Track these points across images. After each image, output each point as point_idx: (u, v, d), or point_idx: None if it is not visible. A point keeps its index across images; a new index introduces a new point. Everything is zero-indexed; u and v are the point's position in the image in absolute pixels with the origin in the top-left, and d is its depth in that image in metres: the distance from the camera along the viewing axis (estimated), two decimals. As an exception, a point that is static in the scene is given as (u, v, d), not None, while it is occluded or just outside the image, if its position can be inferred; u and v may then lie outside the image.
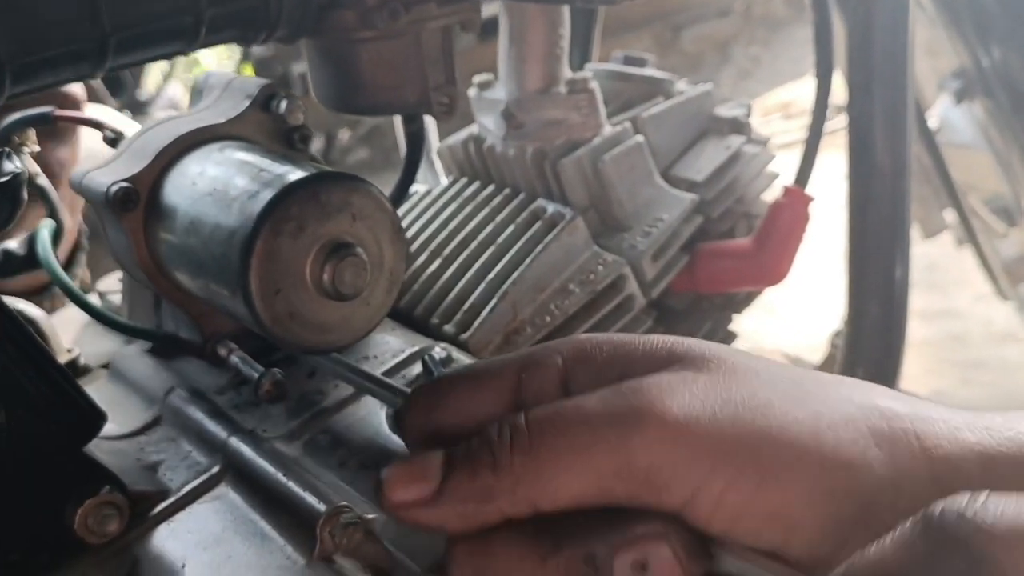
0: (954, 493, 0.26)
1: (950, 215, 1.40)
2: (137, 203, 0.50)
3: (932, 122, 1.26)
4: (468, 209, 0.66)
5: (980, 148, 1.15)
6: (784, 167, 0.71)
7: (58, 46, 0.44)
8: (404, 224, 0.67)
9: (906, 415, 0.32)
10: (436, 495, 0.36)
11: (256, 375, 0.49)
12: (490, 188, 0.66)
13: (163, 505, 0.47)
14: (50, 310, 0.69)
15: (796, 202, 0.65)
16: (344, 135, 3.54)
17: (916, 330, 2.17)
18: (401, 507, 0.37)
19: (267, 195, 0.45)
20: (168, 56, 0.49)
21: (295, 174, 0.46)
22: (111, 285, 0.71)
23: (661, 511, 0.31)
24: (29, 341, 0.42)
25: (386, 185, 0.56)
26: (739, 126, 0.69)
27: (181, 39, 0.48)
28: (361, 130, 3.48)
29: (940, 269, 2.15)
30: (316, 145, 1.81)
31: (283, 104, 0.53)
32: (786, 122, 3.17)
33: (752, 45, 3.94)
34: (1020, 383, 1.79)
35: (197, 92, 0.58)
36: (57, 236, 0.55)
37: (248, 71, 2.86)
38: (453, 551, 0.36)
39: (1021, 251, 1.19)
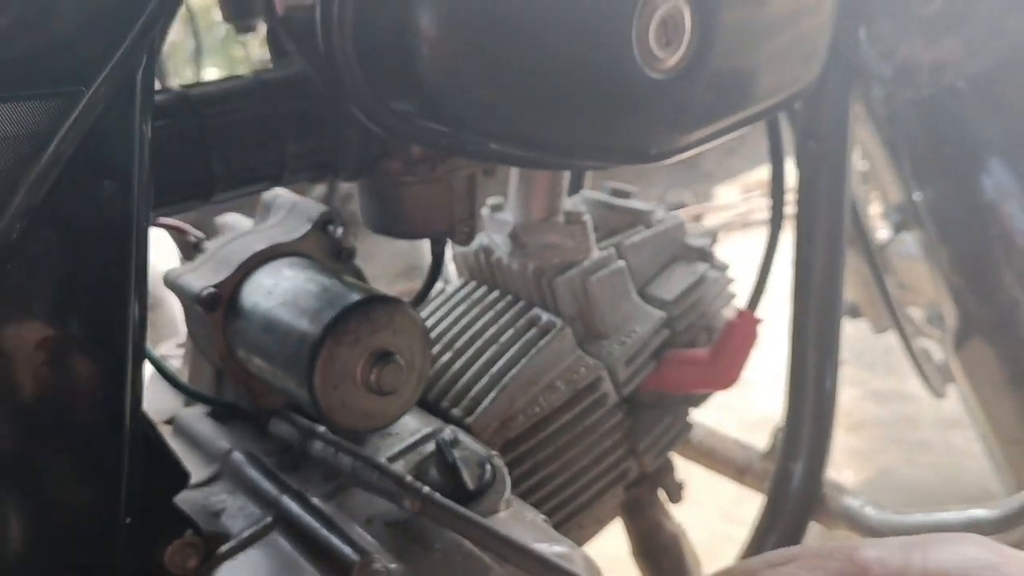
0: None
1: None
2: (220, 304, 0.63)
3: (883, 234, 1.42)
4: (476, 311, 0.79)
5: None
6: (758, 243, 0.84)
7: (177, 190, 0.57)
8: (425, 318, 0.80)
9: None
10: None
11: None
12: (495, 294, 0.80)
13: (227, 546, 0.59)
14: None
15: (747, 323, 0.79)
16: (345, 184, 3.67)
17: (871, 410, 2.31)
18: None
19: (331, 312, 0.58)
20: (258, 191, 0.62)
21: (352, 296, 0.59)
22: (169, 350, 0.84)
23: None
24: (145, 419, 0.55)
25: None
26: (705, 255, 0.83)
27: (270, 179, 0.62)
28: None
29: (896, 353, 2.30)
30: (318, 191, 1.92)
31: (339, 230, 0.67)
32: (767, 199, 3.34)
33: (738, 121, 4.12)
34: (962, 467, 1.92)
35: (265, 209, 0.71)
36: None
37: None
38: None
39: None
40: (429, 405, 0.74)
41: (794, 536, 0.84)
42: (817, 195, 0.77)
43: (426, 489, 0.55)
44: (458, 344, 0.76)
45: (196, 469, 0.67)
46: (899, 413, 2.18)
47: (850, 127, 0.75)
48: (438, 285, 0.83)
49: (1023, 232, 0.94)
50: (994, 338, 0.97)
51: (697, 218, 3.70)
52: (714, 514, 1.69)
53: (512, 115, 0.56)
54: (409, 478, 0.56)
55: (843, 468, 2.05)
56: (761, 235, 0.84)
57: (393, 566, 0.56)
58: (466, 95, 0.54)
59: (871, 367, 2.31)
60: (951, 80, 0.75)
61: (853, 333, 2.04)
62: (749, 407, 2.02)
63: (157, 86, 0.58)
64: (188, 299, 0.64)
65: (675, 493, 0.88)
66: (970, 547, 0.39)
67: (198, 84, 0.59)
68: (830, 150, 0.76)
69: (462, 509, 0.54)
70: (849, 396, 2.28)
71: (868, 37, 0.75)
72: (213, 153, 0.57)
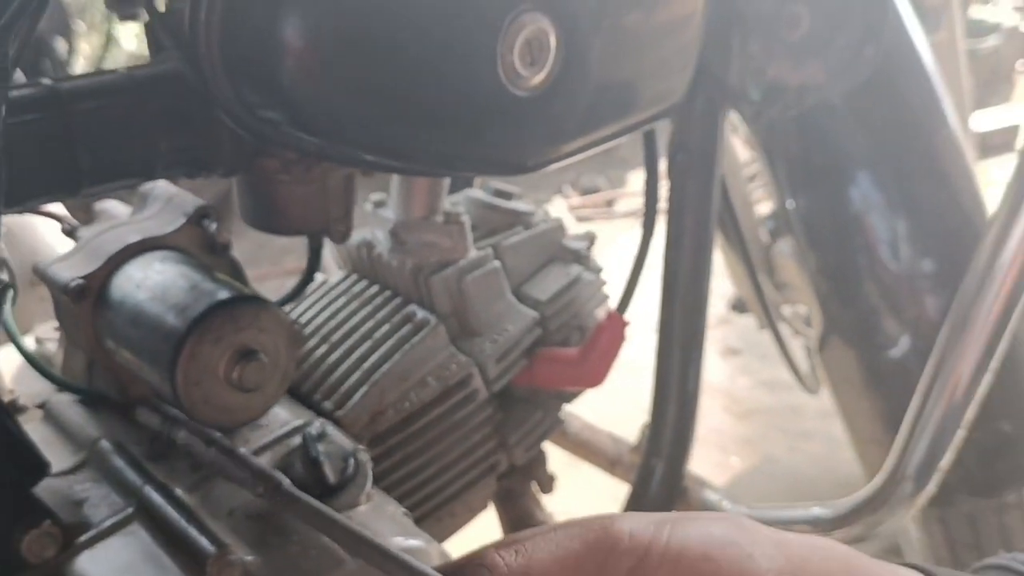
0: None
1: (786, 310, 1.61)
2: (88, 296, 0.64)
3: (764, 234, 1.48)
4: (354, 304, 0.81)
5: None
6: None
7: (43, 184, 0.57)
8: (303, 310, 0.82)
9: None
10: None
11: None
12: (374, 288, 0.82)
13: (87, 536, 0.59)
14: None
15: (615, 325, 0.82)
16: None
17: (760, 398, 2.40)
18: None
19: (197, 309, 0.59)
20: (131, 187, 0.63)
21: (220, 294, 0.60)
22: (47, 333, 0.84)
23: None
24: (1, 409, 0.55)
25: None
26: (580, 257, 0.86)
27: (142, 175, 0.62)
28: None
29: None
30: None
31: (213, 225, 0.68)
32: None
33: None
34: (839, 457, 2.02)
35: (142, 199, 0.72)
36: (12, 297, 0.68)
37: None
38: None
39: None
40: (303, 397, 0.75)
41: (654, 528, 0.88)
42: (685, 206, 0.81)
43: (282, 481, 0.57)
44: (334, 337, 0.78)
45: (63, 456, 0.67)
46: (786, 402, 2.27)
47: (720, 141, 0.79)
48: (320, 276, 0.85)
49: (885, 243, 1.00)
50: (853, 342, 1.03)
51: (610, 203, 3.76)
52: (601, 494, 1.74)
53: (381, 129, 0.58)
54: (267, 470, 0.58)
55: (731, 454, 2.13)
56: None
57: (249, 558, 0.57)
58: (333, 108, 0.55)
59: (763, 358, 2.39)
60: (813, 102, 0.79)
61: (748, 325, 2.12)
62: (643, 393, 2.09)
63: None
64: (56, 289, 0.64)
65: (547, 484, 0.91)
66: (717, 525, 0.40)
67: (70, 78, 0.60)
68: (698, 163, 0.79)
69: (314, 501, 0.56)
70: (741, 385, 2.36)
71: (740, 54, 0.79)
72: (80, 148, 0.58)
